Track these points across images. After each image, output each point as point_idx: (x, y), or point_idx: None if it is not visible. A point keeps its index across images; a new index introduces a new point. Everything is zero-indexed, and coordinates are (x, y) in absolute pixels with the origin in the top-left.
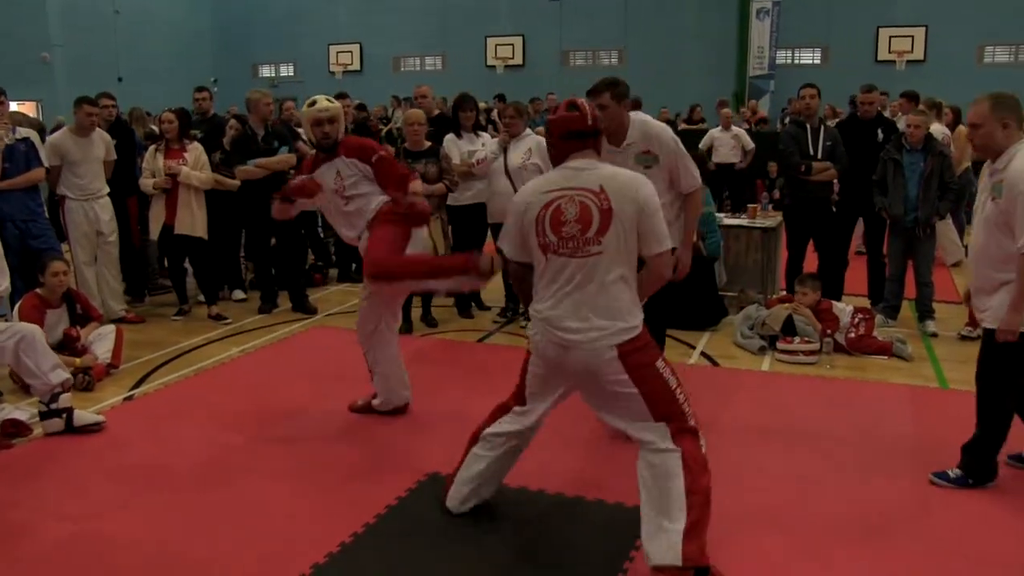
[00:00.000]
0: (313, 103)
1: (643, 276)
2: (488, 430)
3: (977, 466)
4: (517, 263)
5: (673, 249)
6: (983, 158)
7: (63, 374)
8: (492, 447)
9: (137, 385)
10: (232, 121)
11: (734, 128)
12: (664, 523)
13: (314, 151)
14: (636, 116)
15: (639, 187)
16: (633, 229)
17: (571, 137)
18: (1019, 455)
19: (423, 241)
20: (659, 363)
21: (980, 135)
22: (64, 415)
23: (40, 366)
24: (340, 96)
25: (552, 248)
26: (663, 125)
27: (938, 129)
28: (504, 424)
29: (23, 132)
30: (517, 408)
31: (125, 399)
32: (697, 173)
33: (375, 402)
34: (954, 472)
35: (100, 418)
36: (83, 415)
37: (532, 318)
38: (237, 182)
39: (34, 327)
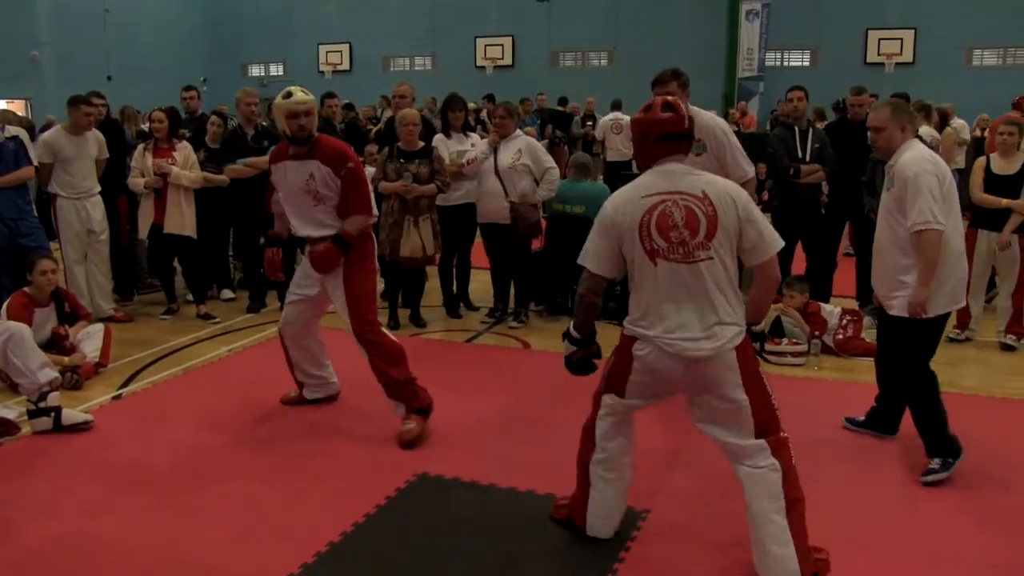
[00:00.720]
0: (289, 95)
1: (755, 289)
2: (598, 449)
3: (940, 444)
4: (599, 277)
5: None
6: (884, 158)
7: (51, 373)
8: (609, 459)
9: (125, 384)
10: (213, 117)
11: None
12: (773, 548)
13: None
14: (692, 108)
15: (737, 195)
16: (735, 236)
17: (667, 139)
18: (855, 419)
19: (412, 242)
20: (760, 368)
21: (883, 138)
22: (52, 414)
23: (28, 365)
24: (328, 96)
25: (662, 254)
26: (713, 115)
27: (927, 132)
28: (605, 413)
29: (12, 130)
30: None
31: (113, 398)
32: (748, 164)
33: (307, 393)
34: (934, 463)
35: (88, 417)
36: (71, 414)
37: (639, 335)
38: (226, 178)
39: (22, 326)
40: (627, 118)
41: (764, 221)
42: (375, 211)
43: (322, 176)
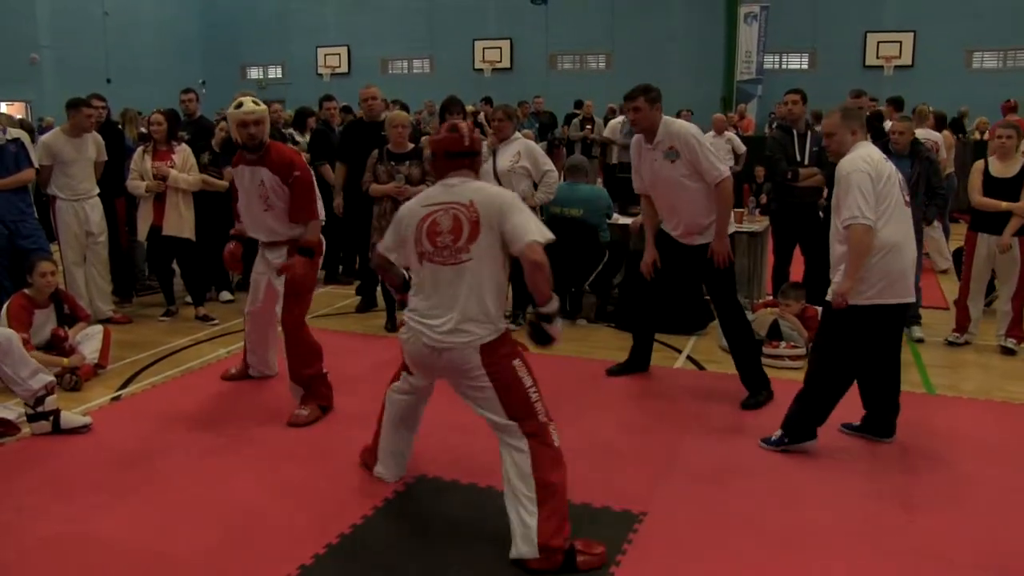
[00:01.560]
0: (239, 105)
1: (526, 274)
2: (391, 388)
3: (795, 425)
4: (382, 256)
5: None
6: (835, 161)
7: (45, 378)
8: (395, 404)
9: (124, 385)
10: (222, 123)
11: (726, 133)
12: (521, 517)
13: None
14: (665, 118)
15: (502, 197)
16: (500, 237)
17: (452, 156)
18: (851, 424)
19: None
20: (516, 362)
21: (834, 142)
22: (51, 418)
23: (19, 373)
24: (327, 98)
25: (428, 256)
26: (683, 123)
27: (924, 133)
28: (401, 384)
29: (14, 133)
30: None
31: (112, 399)
32: (721, 165)
33: (252, 371)
34: (778, 434)
35: (87, 420)
36: (70, 417)
37: (406, 321)
38: (225, 183)
39: (10, 334)
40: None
41: (525, 215)
42: (322, 214)
43: (271, 183)
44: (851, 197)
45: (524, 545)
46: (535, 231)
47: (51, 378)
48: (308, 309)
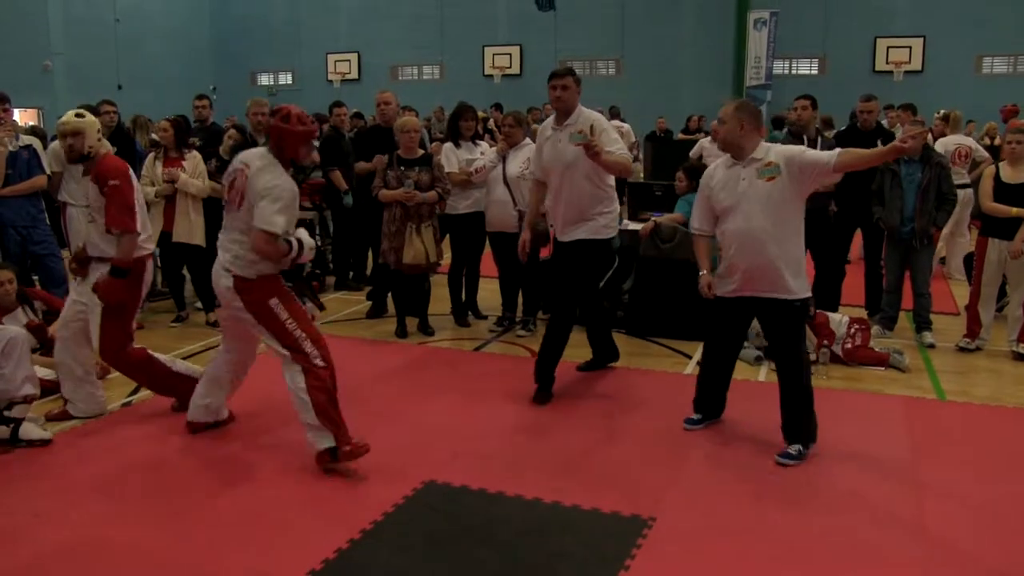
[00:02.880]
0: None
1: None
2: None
3: (807, 430)
4: None
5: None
6: (724, 150)
7: (30, 389)
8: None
9: (136, 391)
10: (231, 131)
11: None
12: (308, 421)
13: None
14: (581, 107)
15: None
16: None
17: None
18: (692, 419)
19: (415, 249)
20: (277, 305)
21: (724, 130)
22: (12, 425)
23: (16, 372)
24: (337, 104)
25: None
26: (595, 113)
27: (962, 140)
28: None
29: (26, 139)
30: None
31: (123, 405)
32: (623, 146)
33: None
34: (795, 448)
35: (47, 435)
36: (30, 429)
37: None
38: None
39: (24, 334)
40: (626, 126)
41: (270, 205)
42: (139, 228)
43: (94, 193)
44: (815, 154)
45: (322, 439)
46: (262, 220)
47: (35, 391)
48: (127, 331)
